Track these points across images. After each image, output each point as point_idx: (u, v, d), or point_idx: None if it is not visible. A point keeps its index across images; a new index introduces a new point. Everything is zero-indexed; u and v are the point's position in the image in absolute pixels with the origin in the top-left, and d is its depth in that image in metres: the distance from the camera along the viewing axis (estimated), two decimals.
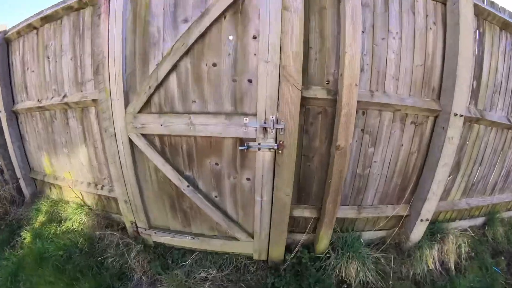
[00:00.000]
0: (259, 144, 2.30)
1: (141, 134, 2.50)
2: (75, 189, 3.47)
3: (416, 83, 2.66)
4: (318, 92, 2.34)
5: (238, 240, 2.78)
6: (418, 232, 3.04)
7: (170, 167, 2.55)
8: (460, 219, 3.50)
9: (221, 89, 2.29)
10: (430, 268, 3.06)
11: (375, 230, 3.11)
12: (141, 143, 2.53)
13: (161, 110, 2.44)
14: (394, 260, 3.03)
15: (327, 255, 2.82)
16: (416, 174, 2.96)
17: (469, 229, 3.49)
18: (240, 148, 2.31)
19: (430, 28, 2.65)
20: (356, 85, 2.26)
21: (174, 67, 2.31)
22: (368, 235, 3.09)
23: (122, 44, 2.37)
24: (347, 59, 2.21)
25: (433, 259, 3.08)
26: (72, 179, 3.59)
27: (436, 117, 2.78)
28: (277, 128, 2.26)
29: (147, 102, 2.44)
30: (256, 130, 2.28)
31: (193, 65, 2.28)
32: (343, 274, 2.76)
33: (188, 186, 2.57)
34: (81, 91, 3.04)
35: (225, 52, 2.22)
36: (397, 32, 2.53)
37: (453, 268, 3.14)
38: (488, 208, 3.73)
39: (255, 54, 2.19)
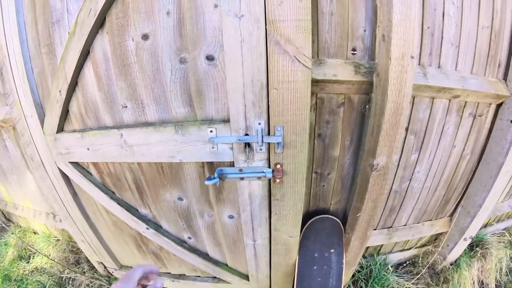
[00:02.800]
0: (240, 171, 0.98)
1: (70, 162, 1.21)
2: (35, 220, 2.10)
3: (481, 54, 1.26)
4: (339, 71, 0.97)
5: (230, 283, 1.53)
6: (457, 251, 1.76)
7: (117, 204, 1.25)
8: (497, 222, 2.20)
9: (163, 79, 0.94)
10: None
11: (405, 250, 1.82)
12: (73, 174, 1.24)
13: (85, 125, 1.12)
14: (427, 287, 1.85)
15: None
16: (464, 182, 1.61)
17: (506, 233, 2.32)
18: (207, 182, 0.93)
19: None
20: (412, 57, 0.89)
21: (86, 54, 0.98)
22: (396, 256, 1.81)
23: (20, 29, 1.05)
24: (397, 5, 0.84)
25: (472, 280, 1.82)
26: (31, 208, 2.02)
27: (499, 105, 1.40)
28: (268, 143, 0.95)
29: (65, 115, 1.13)
30: (232, 148, 0.96)
31: (113, 44, 0.94)
32: None
33: (147, 229, 1.29)
34: (6, 105, 1.37)
35: (161, 10, 0.87)
36: None
37: (493, 287, 1.90)
38: None
39: (215, 6, 0.83)
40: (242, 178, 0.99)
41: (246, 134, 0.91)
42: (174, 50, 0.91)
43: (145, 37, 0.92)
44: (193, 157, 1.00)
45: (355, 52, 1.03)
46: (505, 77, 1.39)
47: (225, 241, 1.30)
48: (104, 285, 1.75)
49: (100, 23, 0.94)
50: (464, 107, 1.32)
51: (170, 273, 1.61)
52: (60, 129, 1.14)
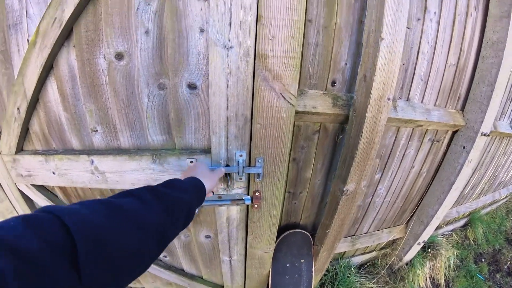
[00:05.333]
0: (219, 198, 1.00)
1: (33, 185, 1.12)
2: None
3: (445, 89, 1.43)
4: (319, 102, 1.02)
5: None
6: (412, 253, 2.02)
7: None
8: (446, 225, 2.56)
9: (139, 104, 0.90)
10: (421, 287, 2.16)
11: (366, 253, 2.04)
12: (36, 198, 1.14)
13: (49, 146, 1.03)
14: (386, 285, 2.10)
15: None
16: (419, 196, 1.84)
17: (453, 234, 2.69)
18: None
19: (470, 15, 1.36)
20: (389, 99, 0.99)
21: (49, 68, 0.89)
22: (358, 259, 2.03)
23: None
24: (383, 51, 0.91)
25: (425, 277, 2.13)
26: None
27: (455, 131, 1.61)
28: (249, 174, 1.00)
29: (25, 134, 1.02)
30: None
31: (81, 60, 0.86)
32: None
33: None
34: None
35: (138, 28, 0.81)
36: (435, 13, 1.21)
37: (443, 283, 2.19)
38: (472, 210, 2.80)
39: (201, 30, 0.81)
40: (221, 205, 1.02)
41: (227, 165, 0.93)
42: (153, 74, 0.87)
43: (119, 56, 0.86)
44: None
45: (334, 84, 1.08)
46: (462, 108, 1.58)
47: (201, 258, 1.34)
48: None
49: (66, 34, 0.86)
50: (425, 134, 1.48)
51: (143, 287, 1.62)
52: (20, 149, 1.04)
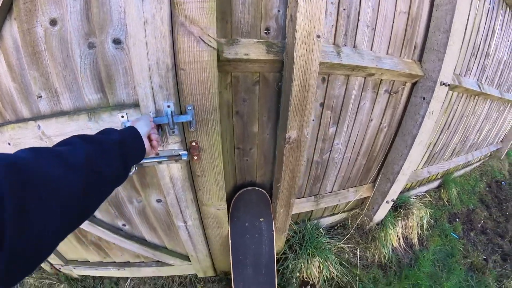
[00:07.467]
0: (156, 155, 1.03)
1: None
2: None
3: (397, 37, 1.42)
4: (251, 50, 1.05)
5: (173, 265, 1.67)
6: (382, 212, 2.07)
7: None
8: (419, 186, 2.58)
9: (73, 65, 0.93)
10: (395, 246, 2.22)
11: (335, 214, 2.09)
12: None
13: (4, 119, 1.08)
14: (357, 245, 2.18)
15: (284, 255, 1.82)
16: (383, 152, 1.86)
17: (427, 195, 2.70)
18: None
19: None
20: (318, 36, 1.00)
21: None
22: (327, 220, 2.08)
23: None
24: None
25: (397, 237, 2.18)
26: None
27: (414, 83, 1.61)
28: (182, 123, 1.02)
29: None
30: None
31: (22, 31, 0.89)
32: (305, 275, 1.79)
33: None
34: None
35: None
36: None
37: (416, 242, 2.26)
38: (444, 171, 2.83)
39: None
40: (160, 162, 1.06)
41: (156, 117, 0.96)
42: (83, 35, 0.90)
43: (53, 22, 0.89)
44: None
45: (268, 32, 1.09)
46: (420, 59, 1.57)
47: (159, 225, 1.41)
48: (54, 283, 1.79)
49: (7, 9, 0.89)
50: (379, 84, 1.50)
51: (114, 262, 1.70)
52: None
